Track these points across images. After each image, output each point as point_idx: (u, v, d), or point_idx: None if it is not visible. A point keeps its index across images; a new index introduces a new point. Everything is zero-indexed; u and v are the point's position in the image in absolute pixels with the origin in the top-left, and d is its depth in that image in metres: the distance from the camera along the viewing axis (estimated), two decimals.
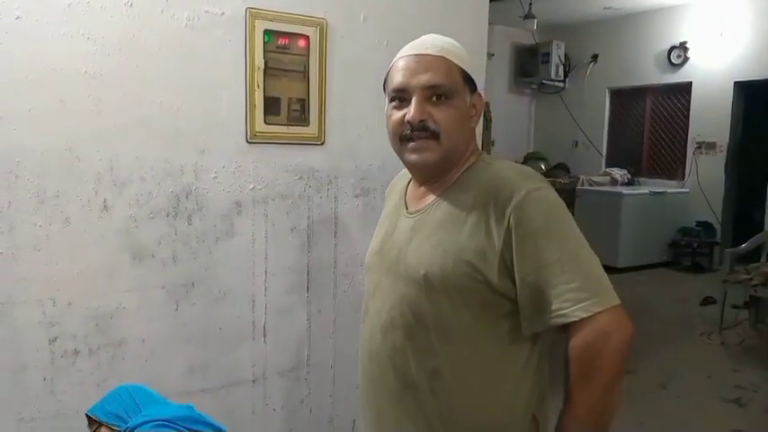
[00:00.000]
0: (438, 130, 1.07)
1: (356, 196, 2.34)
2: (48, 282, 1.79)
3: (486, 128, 7.16)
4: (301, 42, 2.11)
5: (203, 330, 2.05)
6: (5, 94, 1.68)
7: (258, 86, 2.04)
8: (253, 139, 2.08)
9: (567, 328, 1.01)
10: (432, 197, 1.15)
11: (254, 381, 2.18)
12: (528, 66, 8.06)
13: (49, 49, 1.72)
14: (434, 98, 1.07)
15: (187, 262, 2.01)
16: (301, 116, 2.16)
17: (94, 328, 1.87)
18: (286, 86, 2.11)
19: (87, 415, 1.33)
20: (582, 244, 1.04)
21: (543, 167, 7.58)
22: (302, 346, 2.29)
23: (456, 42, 1.14)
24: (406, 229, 1.15)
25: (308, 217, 2.25)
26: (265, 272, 2.18)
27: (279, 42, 2.07)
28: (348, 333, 2.32)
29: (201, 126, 1.99)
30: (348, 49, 2.22)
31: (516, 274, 1.03)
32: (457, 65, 1.09)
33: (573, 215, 1.08)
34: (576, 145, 8.14)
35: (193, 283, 2.03)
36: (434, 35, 1.14)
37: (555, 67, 7.78)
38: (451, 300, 1.06)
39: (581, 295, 0.98)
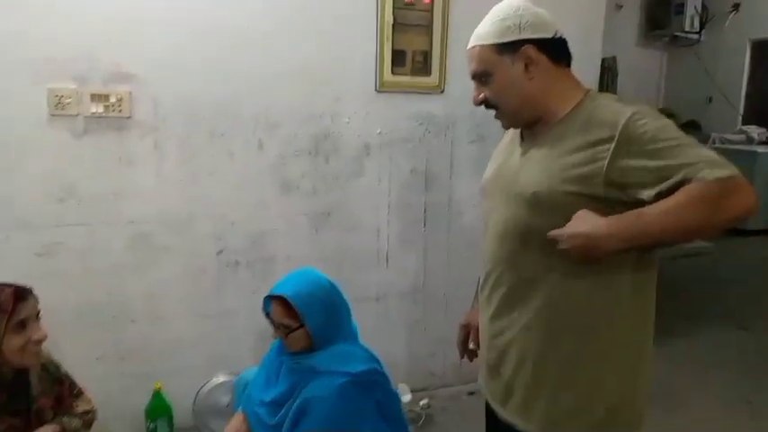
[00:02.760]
0: (495, 103, 1.32)
1: (471, 142, 2.56)
2: (217, 203, 2.21)
3: (612, 82, 6.96)
4: None
5: (337, 253, 2.41)
6: (184, 47, 2.08)
7: (387, 40, 2.30)
8: (381, 88, 2.35)
9: None
10: (542, 131, 1.32)
11: (377, 299, 2.53)
12: (660, 17, 7.61)
13: (214, 10, 2.09)
14: (483, 80, 1.31)
15: (325, 195, 2.36)
16: (424, 67, 2.40)
17: (251, 245, 2.28)
18: (411, 40, 2.36)
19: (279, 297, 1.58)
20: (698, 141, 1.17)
21: None
22: (419, 273, 2.58)
23: (501, 13, 1.28)
24: (520, 157, 1.36)
25: (427, 160, 2.51)
26: (388, 207, 2.48)
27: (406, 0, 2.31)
28: (459, 265, 2.58)
29: (337, 76, 2.30)
30: (468, 3, 2.38)
31: (644, 176, 1.13)
32: (489, 44, 1.27)
33: None
34: (710, 101, 7.66)
35: (329, 213, 2.38)
36: (486, 19, 1.31)
37: (690, 19, 7.29)
38: (558, 215, 1.21)
39: (713, 168, 1.09)
